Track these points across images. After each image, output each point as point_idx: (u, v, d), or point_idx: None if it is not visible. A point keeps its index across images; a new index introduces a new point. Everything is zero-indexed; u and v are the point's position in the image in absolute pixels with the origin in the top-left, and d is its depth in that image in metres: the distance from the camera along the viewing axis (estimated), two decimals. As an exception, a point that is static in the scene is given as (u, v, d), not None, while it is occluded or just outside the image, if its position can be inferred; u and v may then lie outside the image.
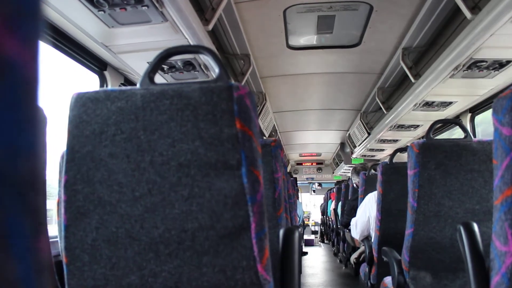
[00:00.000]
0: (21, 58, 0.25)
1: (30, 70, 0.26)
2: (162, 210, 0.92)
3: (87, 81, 2.93)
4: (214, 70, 0.98)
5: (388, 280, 2.41)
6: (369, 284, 3.05)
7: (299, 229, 4.40)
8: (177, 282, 0.93)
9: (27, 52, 0.25)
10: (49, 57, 2.54)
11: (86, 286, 0.96)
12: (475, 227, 1.25)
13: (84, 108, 0.97)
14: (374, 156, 7.66)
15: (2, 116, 0.24)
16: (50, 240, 1.21)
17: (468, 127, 4.15)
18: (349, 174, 7.00)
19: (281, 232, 1.20)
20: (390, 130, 5.26)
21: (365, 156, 7.82)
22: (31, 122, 0.26)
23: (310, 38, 3.94)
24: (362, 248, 4.48)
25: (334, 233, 7.94)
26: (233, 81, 0.95)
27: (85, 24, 2.21)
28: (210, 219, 0.91)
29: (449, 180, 1.87)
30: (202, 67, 2.74)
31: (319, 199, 14.59)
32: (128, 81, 3.16)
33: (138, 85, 1.00)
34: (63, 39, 2.41)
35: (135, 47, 2.45)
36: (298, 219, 8.17)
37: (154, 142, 0.93)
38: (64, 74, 2.93)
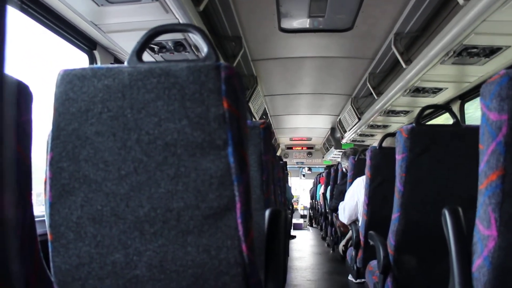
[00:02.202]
0: None
1: None
2: (147, 189, 0.92)
3: (77, 60, 2.90)
4: (204, 50, 0.97)
5: (374, 263, 2.43)
6: (355, 267, 3.08)
7: (286, 212, 4.42)
8: (161, 260, 0.93)
9: None
10: (38, 35, 2.51)
11: (70, 264, 0.96)
12: (460, 211, 1.26)
13: (70, 85, 0.96)
14: (364, 141, 7.68)
15: None
16: (37, 219, 1.20)
17: (458, 114, 4.17)
18: (339, 159, 7.03)
19: (267, 212, 1.20)
20: (380, 115, 5.27)
21: (355, 141, 7.84)
22: None
23: (302, 22, 3.92)
24: (349, 235, 4.52)
25: (322, 217, 7.99)
26: (222, 61, 0.94)
27: (74, 2, 2.19)
28: (196, 198, 0.91)
29: (436, 166, 1.88)
30: (192, 48, 2.72)
31: (309, 183, 14.64)
32: (118, 61, 3.13)
33: (125, 63, 0.99)
34: (52, 17, 2.37)
35: (125, 26, 2.42)
36: (287, 202, 8.21)
37: (140, 120, 0.92)
38: (54, 53, 2.90)
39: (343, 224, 4.74)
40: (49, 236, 0.98)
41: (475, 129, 1.88)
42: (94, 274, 0.96)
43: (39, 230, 1.18)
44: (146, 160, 0.92)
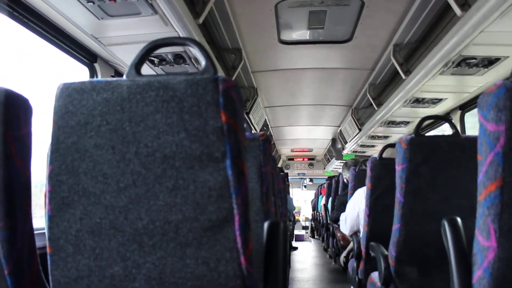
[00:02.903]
0: None
1: None
2: (146, 201, 0.92)
3: (78, 73, 2.91)
4: (203, 63, 0.98)
5: (375, 275, 2.42)
6: (357, 279, 3.06)
7: (286, 223, 4.41)
8: (160, 273, 0.93)
9: None
10: (39, 49, 2.52)
11: (69, 277, 0.96)
12: (459, 222, 1.26)
13: (70, 98, 0.96)
14: (365, 152, 7.68)
15: None
16: (37, 232, 1.21)
17: (458, 125, 4.17)
18: (340, 170, 7.02)
19: (266, 224, 1.20)
20: (381, 126, 5.28)
21: (356, 152, 7.85)
22: None
23: (301, 33, 3.94)
24: (350, 246, 4.50)
25: (324, 228, 7.97)
26: (220, 74, 0.95)
27: (74, 15, 2.20)
28: (194, 211, 0.91)
29: (436, 176, 1.88)
30: (192, 60, 2.74)
31: (311, 194, 14.61)
32: (118, 74, 3.14)
33: (124, 77, 1.00)
34: (53, 30, 2.38)
35: (125, 39, 2.44)
36: (289, 214, 8.19)
37: (139, 133, 0.92)
38: (54, 66, 2.91)
39: (343, 237, 4.73)
40: (48, 249, 0.98)
41: (474, 140, 1.88)
42: (93, 287, 0.96)
43: (37, 243, 1.18)
44: (144, 172, 0.92)
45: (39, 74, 2.75)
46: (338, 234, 5.02)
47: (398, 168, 1.93)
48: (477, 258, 1.07)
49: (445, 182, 1.88)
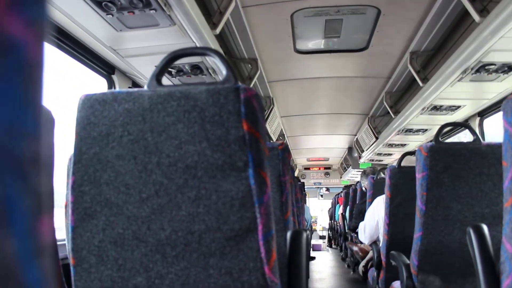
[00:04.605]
0: (25, 38, 0.25)
1: (34, 52, 0.26)
2: (169, 211, 0.92)
3: (96, 85, 2.94)
4: (222, 73, 0.98)
5: (396, 284, 2.40)
6: (377, 288, 3.03)
7: (307, 233, 4.38)
8: (183, 284, 0.93)
9: (31, 33, 0.25)
10: (58, 61, 2.55)
11: (93, 288, 0.96)
12: (485, 229, 1.24)
13: (91, 109, 0.97)
14: (382, 160, 7.63)
15: (4, 94, 0.24)
16: (58, 243, 1.21)
17: (477, 131, 4.13)
18: (357, 179, 6.98)
19: (289, 234, 1.19)
20: (398, 134, 5.24)
21: (372, 160, 7.80)
22: (33, 104, 0.26)
23: (317, 42, 3.94)
24: (369, 255, 4.46)
25: (342, 237, 7.91)
26: (240, 83, 0.94)
27: (93, 28, 2.22)
28: (217, 221, 0.90)
29: (457, 184, 1.86)
30: (209, 70, 2.75)
31: (327, 203, 14.54)
32: (136, 85, 3.17)
33: (145, 87, 1.00)
34: (71, 43, 2.42)
35: (143, 50, 2.46)
36: (306, 223, 8.15)
37: (161, 143, 0.92)
38: (73, 78, 2.94)
39: (361, 249, 4.69)
40: (71, 260, 0.98)
41: (496, 147, 1.86)
42: None
43: (60, 254, 1.19)
44: (166, 182, 0.92)
45: (58, 86, 2.78)
46: (355, 248, 4.97)
47: (419, 176, 1.91)
48: (505, 266, 1.05)
49: (467, 189, 1.85)
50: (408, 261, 2.08)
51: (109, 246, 0.95)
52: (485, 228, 1.25)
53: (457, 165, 1.86)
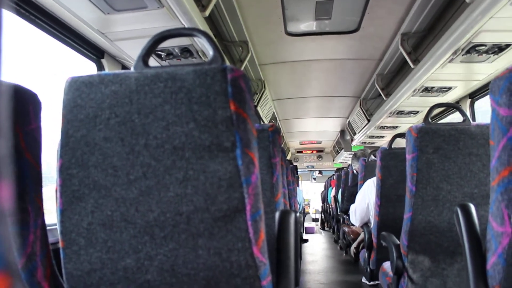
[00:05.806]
0: None
1: None
2: (157, 193, 0.92)
3: (86, 69, 2.92)
4: (210, 54, 0.97)
5: (387, 265, 2.42)
6: (368, 269, 3.06)
7: (297, 214, 4.39)
8: (172, 264, 0.93)
9: None
10: (46, 45, 2.53)
11: (82, 270, 0.97)
12: (472, 208, 1.25)
13: (78, 92, 0.96)
14: (374, 143, 7.65)
15: None
16: (49, 227, 1.21)
17: (468, 113, 4.14)
18: (349, 162, 7.00)
19: (277, 214, 1.20)
20: (389, 116, 5.25)
21: (365, 143, 7.82)
22: None
23: (308, 25, 3.92)
24: (361, 237, 4.50)
25: (334, 220, 7.96)
26: (227, 64, 0.94)
27: (80, 11, 2.19)
28: (205, 201, 0.90)
29: (447, 164, 1.87)
30: (199, 53, 2.73)
31: (320, 186, 14.60)
32: (126, 69, 3.14)
33: (132, 69, 0.99)
34: (59, 26, 2.38)
35: (132, 34, 2.43)
36: (299, 206, 8.18)
37: (148, 125, 0.92)
38: (62, 62, 2.92)
39: (352, 231, 4.73)
40: (60, 243, 0.98)
41: (485, 127, 1.86)
42: (106, 280, 0.96)
43: (50, 238, 1.19)
44: (154, 164, 0.92)
45: (46, 69, 2.76)
46: (346, 229, 5.01)
47: (409, 157, 1.92)
48: (491, 244, 1.06)
49: (456, 170, 1.86)
50: (398, 242, 2.10)
51: (98, 228, 0.95)
52: (472, 207, 1.26)
53: (446, 145, 1.87)
